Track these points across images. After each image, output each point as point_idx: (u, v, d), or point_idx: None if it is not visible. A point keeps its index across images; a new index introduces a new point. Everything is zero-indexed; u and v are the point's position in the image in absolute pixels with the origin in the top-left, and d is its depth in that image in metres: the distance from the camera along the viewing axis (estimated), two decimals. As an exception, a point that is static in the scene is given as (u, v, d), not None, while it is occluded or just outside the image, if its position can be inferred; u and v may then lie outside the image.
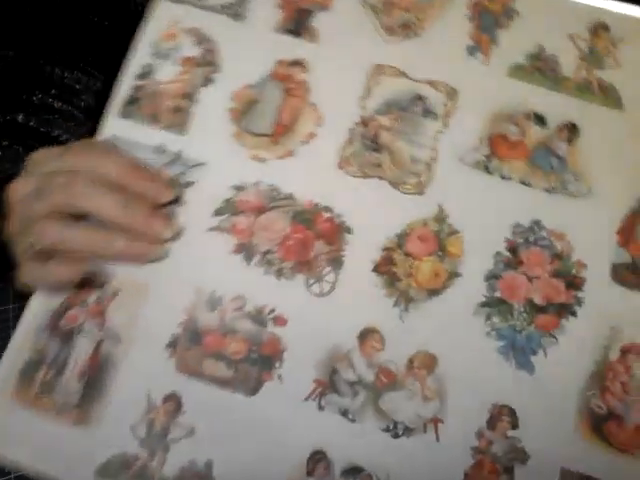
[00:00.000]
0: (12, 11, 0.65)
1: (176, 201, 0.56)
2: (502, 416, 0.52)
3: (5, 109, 0.62)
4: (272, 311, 0.55)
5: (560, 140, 0.58)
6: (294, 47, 0.60)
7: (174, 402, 0.54)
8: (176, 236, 0.56)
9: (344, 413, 0.53)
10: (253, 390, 0.54)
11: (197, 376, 0.54)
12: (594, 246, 0.55)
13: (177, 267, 0.56)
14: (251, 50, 0.60)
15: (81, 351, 0.55)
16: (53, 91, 0.65)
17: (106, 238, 0.54)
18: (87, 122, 0.66)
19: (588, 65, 0.59)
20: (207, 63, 0.60)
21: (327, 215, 0.56)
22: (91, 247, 0.53)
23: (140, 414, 0.54)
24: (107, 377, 0.54)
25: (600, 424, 0.52)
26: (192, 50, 0.60)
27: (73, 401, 0.54)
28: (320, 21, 0.60)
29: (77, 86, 0.67)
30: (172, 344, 0.55)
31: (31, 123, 0.62)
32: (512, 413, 0.52)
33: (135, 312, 0.55)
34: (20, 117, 0.62)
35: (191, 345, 0.55)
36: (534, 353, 0.53)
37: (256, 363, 0.54)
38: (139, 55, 0.60)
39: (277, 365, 0.54)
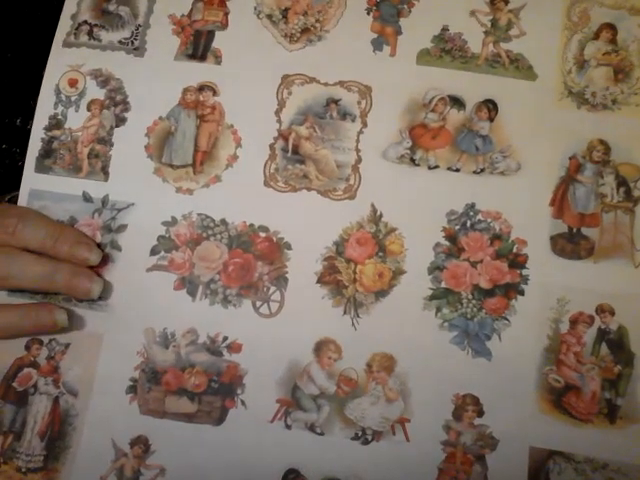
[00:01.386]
0: (11, 12, 0.63)
1: (104, 262, 0.54)
2: (466, 405, 0.51)
3: (3, 113, 0.62)
4: (225, 339, 0.53)
5: (481, 119, 0.56)
6: (198, 72, 0.57)
7: (142, 444, 0.52)
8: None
9: (311, 428, 0.52)
10: (219, 420, 0.53)
11: (161, 415, 0.53)
12: (531, 221, 0.54)
13: (125, 311, 0.54)
14: (156, 82, 0.57)
15: (39, 410, 0.53)
16: None
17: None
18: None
19: (494, 39, 0.57)
20: (115, 103, 0.57)
21: (264, 235, 0.54)
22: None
23: (108, 463, 0.52)
24: (70, 432, 0.53)
25: (560, 398, 0.51)
26: (98, 92, 0.57)
27: (38, 463, 0.52)
28: (220, 41, 0.58)
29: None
30: (132, 388, 0.53)
31: (28, 126, 0.59)
32: (476, 401, 0.51)
33: (90, 363, 0.53)
34: (18, 121, 0.61)
35: (151, 386, 0.53)
36: (488, 338, 0.52)
37: (218, 393, 0.53)
38: (44, 106, 0.57)
39: (239, 391, 0.53)
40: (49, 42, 0.59)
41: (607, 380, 0.51)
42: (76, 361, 0.53)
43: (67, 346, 0.54)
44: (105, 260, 0.55)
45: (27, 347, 0.54)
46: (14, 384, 0.53)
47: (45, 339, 0.54)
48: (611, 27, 0.58)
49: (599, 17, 0.58)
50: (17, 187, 0.57)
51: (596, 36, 0.58)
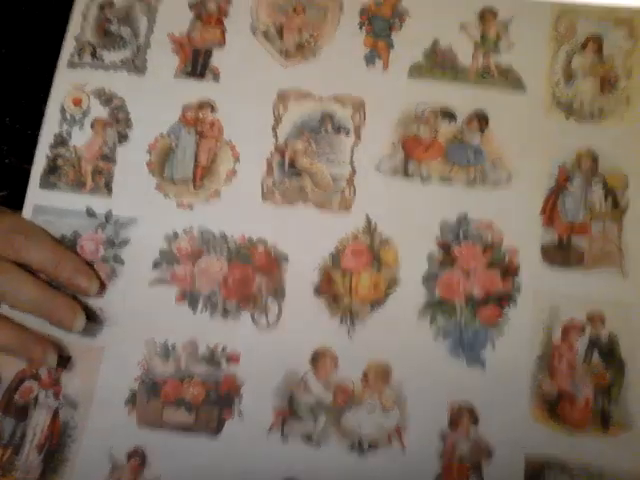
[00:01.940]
0: (6, 9, 0.58)
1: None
2: (462, 414, 0.46)
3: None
4: (224, 350, 0.48)
5: (472, 131, 0.50)
6: (197, 89, 0.52)
7: (138, 457, 0.47)
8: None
9: (308, 438, 0.47)
10: (216, 430, 0.47)
11: (159, 426, 0.48)
12: (522, 230, 0.49)
13: (127, 324, 0.49)
14: (157, 100, 0.52)
15: (38, 423, 0.48)
16: (41, 94, 0.56)
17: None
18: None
19: (483, 52, 0.51)
20: (118, 121, 0.51)
21: (262, 247, 0.49)
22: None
23: (105, 476, 0.47)
24: (68, 444, 0.47)
25: (554, 406, 0.46)
26: (101, 111, 0.52)
27: (34, 476, 0.47)
28: (218, 58, 0.53)
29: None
30: (131, 399, 0.48)
31: (17, 126, 0.56)
32: (471, 410, 0.46)
33: (91, 375, 0.48)
34: (7, 120, 0.56)
35: (150, 397, 0.48)
36: (482, 347, 0.47)
37: (216, 403, 0.48)
38: (50, 124, 0.53)
39: (236, 402, 0.48)
40: (43, 41, 0.55)
41: (600, 388, 0.46)
42: (77, 373, 0.49)
43: (69, 359, 0.48)
44: (108, 275, 0.49)
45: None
46: (15, 397, 0.48)
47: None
48: (597, 39, 0.53)
49: (585, 29, 0.53)
50: (5, 186, 0.54)
51: (583, 47, 0.53)
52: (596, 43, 0.53)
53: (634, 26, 0.53)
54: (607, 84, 0.52)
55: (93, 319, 0.49)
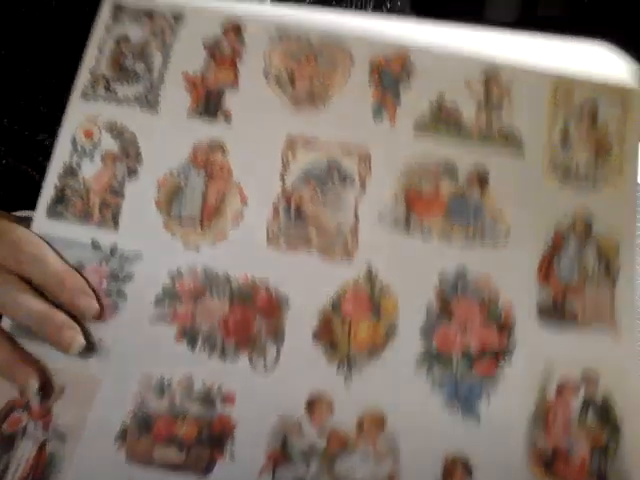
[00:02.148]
0: (8, 11, 0.56)
1: (110, 311, 0.47)
2: (456, 467, 0.44)
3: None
4: (220, 391, 0.46)
5: (472, 190, 0.49)
6: (208, 130, 0.51)
7: None
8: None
9: (300, 485, 0.44)
10: (205, 471, 0.45)
11: (148, 464, 0.45)
12: (518, 287, 0.48)
13: (125, 359, 0.47)
14: (168, 138, 0.51)
15: (23, 455, 0.45)
16: (40, 96, 0.56)
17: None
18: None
19: (486, 111, 0.51)
20: (128, 156, 0.49)
21: (264, 290, 0.47)
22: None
23: None
24: (53, 473, 0.44)
25: (549, 463, 0.44)
26: (112, 145, 0.50)
27: None
28: (230, 101, 0.52)
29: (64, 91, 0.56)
30: (122, 435, 0.46)
31: (15, 127, 0.54)
32: (465, 463, 0.44)
33: (83, 408, 0.46)
34: (5, 121, 0.54)
35: (141, 433, 0.46)
36: (478, 400, 0.45)
37: (207, 443, 0.46)
38: (60, 155, 0.51)
39: (229, 443, 0.45)
40: (43, 44, 0.53)
41: (596, 446, 0.44)
42: (70, 405, 0.46)
43: (62, 390, 0.46)
44: (110, 308, 0.47)
45: (22, 389, 0.46)
46: (3, 427, 0.45)
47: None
48: (593, 106, 0.52)
49: (582, 96, 0.53)
50: (1, 186, 0.52)
51: (579, 114, 0.52)
52: (590, 110, 0.53)
53: (626, 96, 0.53)
54: (602, 151, 0.52)
55: (92, 348, 0.47)
